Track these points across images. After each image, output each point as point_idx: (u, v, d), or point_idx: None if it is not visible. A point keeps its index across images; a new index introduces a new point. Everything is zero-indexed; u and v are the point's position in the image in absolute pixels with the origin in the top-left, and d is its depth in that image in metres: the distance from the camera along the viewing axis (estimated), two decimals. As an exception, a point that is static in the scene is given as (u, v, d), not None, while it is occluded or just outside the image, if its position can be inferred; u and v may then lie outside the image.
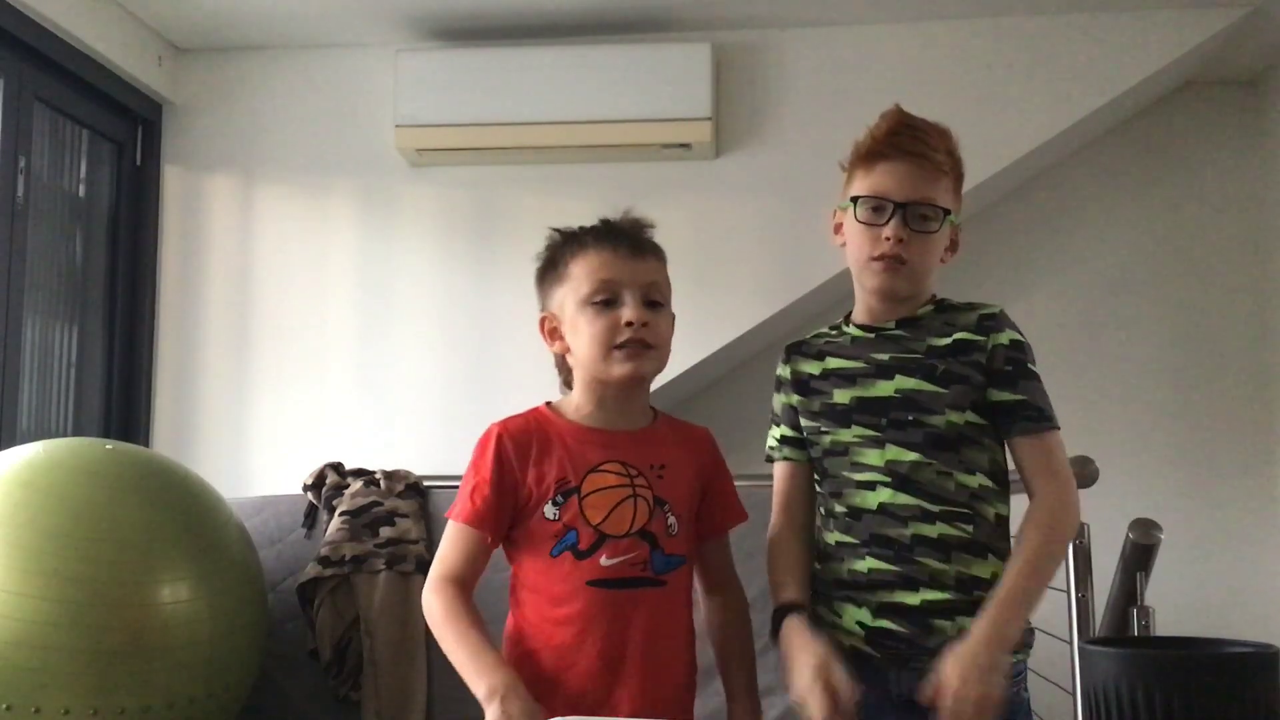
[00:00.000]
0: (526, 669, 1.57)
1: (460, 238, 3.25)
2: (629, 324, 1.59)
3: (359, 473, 2.75)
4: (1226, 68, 3.36)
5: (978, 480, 1.63)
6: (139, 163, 3.32)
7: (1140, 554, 2.35)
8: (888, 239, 1.62)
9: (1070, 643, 2.17)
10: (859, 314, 1.75)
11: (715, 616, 1.73)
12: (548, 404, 1.73)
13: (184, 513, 2.23)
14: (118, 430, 3.20)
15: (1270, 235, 3.40)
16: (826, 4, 3.08)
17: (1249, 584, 3.33)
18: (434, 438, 3.10)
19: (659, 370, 1.66)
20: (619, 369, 1.60)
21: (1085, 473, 2.15)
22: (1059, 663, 2.21)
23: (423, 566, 2.53)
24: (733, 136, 3.18)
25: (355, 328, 3.25)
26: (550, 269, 1.69)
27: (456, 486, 2.89)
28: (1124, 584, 2.39)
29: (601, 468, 1.60)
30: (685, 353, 3.13)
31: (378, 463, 2.82)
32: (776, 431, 1.79)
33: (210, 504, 2.33)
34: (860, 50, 3.17)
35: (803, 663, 1.52)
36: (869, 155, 1.66)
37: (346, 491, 2.68)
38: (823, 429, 1.69)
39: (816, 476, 1.72)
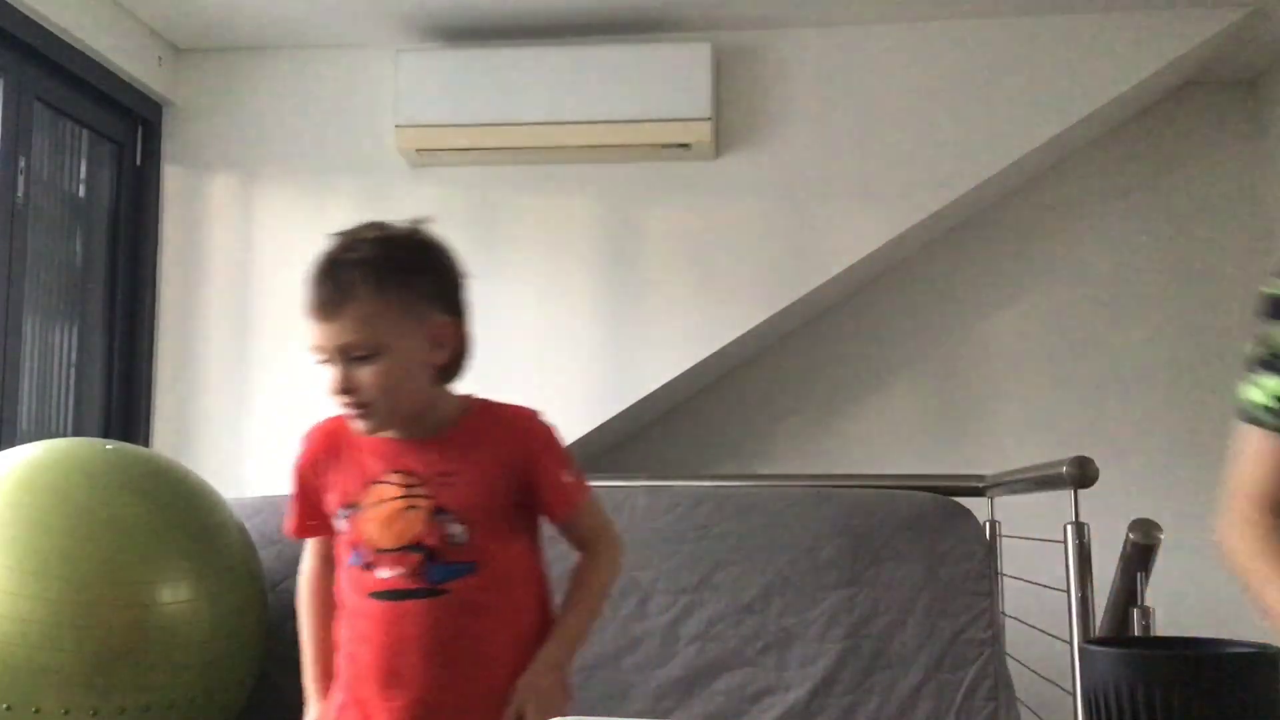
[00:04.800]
0: (339, 669, 1.61)
1: (460, 238, 3.21)
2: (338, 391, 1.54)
3: (359, 473, 2.75)
4: (1226, 68, 3.36)
5: None
6: (139, 163, 3.32)
7: (1141, 554, 2.35)
8: None
9: (1070, 642, 2.16)
10: None
11: (576, 565, 1.69)
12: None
13: (184, 513, 2.23)
14: (118, 430, 3.20)
15: (1270, 235, 3.40)
16: (826, 4, 3.08)
17: (1249, 584, 3.32)
18: (434, 438, 3.10)
19: (398, 414, 1.58)
20: (354, 426, 1.58)
21: (1085, 473, 2.16)
22: (1059, 662, 2.21)
23: (422, 566, 2.54)
24: (732, 137, 3.18)
25: (355, 328, 3.25)
26: None
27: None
28: (1124, 584, 2.39)
29: (384, 479, 1.58)
30: (685, 353, 3.14)
31: (378, 463, 2.81)
32: (1270, 384, 1.39)
33: (210, 504, 2.32)
34: (860, 50, 3.17)
35: None
36: None
37: (346, 491, 2.68)
38: None
39: None
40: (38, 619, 1.95)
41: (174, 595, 2.10)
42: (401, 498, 1.57)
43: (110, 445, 2.30)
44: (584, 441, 3.18)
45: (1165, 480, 3.37)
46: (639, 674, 2.37)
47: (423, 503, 1.56)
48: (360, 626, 1.57)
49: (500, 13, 3.11)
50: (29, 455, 2.14)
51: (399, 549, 1.55)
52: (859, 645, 2.36)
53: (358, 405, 1.54)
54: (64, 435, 2.89)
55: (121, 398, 3.23)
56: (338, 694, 1.60)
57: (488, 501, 1.60)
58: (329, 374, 1.53)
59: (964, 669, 2.34)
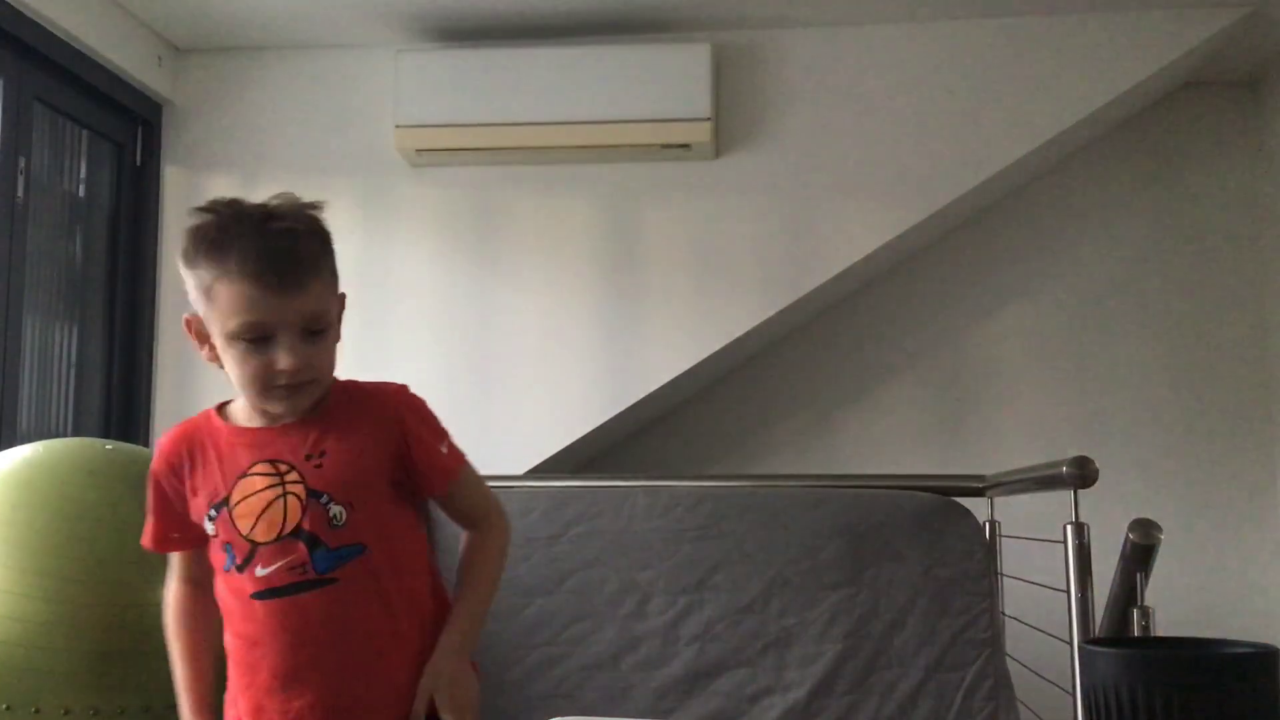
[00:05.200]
0: (229, 683, 1.57)
1: (460, 238, 3.25)
2: (284, 370, 1.46)
3: (358, 473, 2.75)
4: (1225, 68, 3.36)
5: None
6: (139, 163, 3.32)
7: (1140, 554, 2.35)
8: None
9: (1070, 643, 2.17)
10: None
11: (463, 543, 1.64)
12: (219, 406, 1.62)
13: (184, 513, 2.23)
14: (117, 430, 3.20)
15: (1269, 235, 3.40)
16: (826, 4, 3.08)
17: (1249, 584, 3.33)
18: (434, 438, 3.10)
19: (319, 394, 1.54)
20: (276, 407, 1.51)
21: (1085, 473, 2.16)
22: (1059, 662, 2.21)
23: (422, 566, 2.54)
24: (732, 137, 3.18)
25: (355, 327, 3.23)
26: (190, 273, 1.48)
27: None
28: (1124, 584, 2.39)
29: (250, 471, 1.50)
30: (685, 353, 3.14)
31: (378, 463, 2.82)
32: None
33: (210, 504, 2.32)
34: (860, 50, 3.17)
35: None
36: None
37: (346, 491, 2.68)
38: None
39: None
40: (38, 619, 1.95)
41: (174, 595, 2.10)
42: (271, 486, 1.49)
43: (110, 445, 2.29)
44: (584, 441, 3.18)
45: (1165, 480, 3.38)
46: (639, 674, 2.37)
47: (296, 488, 1.48)
48: (248, 631, 1.50)
49: (500, 13, 3.11)
50: (29, 455, 2.14)
51: (278, 539, 1.47)
52: (859, 645, 2.36)
53: (304, 383, 1.49)
54: (64, 435, 2.89)
55: (121, 397, 3.23)
56: (231, 708, 1.54)
57: (363, 478, 1.52)
58: (263, 350, 1.45)
59: (964, 669, 2.34)
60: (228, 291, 1.44)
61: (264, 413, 1.54)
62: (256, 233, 1.46)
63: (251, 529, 1.48)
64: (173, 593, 1.62)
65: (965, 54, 3.14)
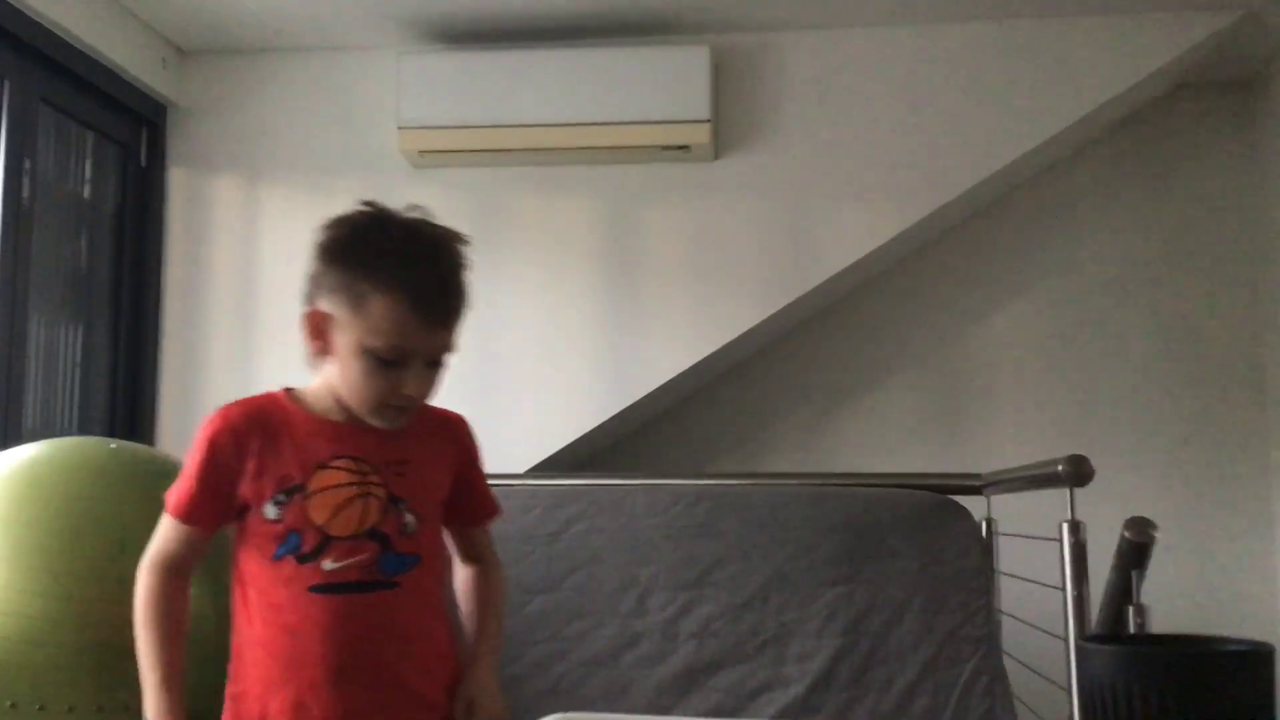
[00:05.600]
0: (248, 681, 1.52)
1: (462, 239, 3.27)
2: (408, 395, 1.48)
3: (361, 472, 2.77)
4: (1221, 70, 3.38)
5: None
6: (144, 164, 3.34)
7: (1136, 552, 2.36)
8: None
9: (1066, 640, 2.18)
10: None
11: (466, 575, 1.67)
12: (287, 390, 1.60)
13: (188, 511, 2.24)
14: (122, 429, 3.22)
15: (1265, 236, 3.42)
16: (825, 7, 3.10)
17: (1244, 582, 3.34)
18: (436, 437, 3.12)
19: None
20: (378, 421, 1.51)
21: (1081, 471, 2.17)
22: (1055, 660, 2.23)
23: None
24: (731, 139, 3.20)
25: (357, 328, 3.27)
26: (340, 272, 1.48)
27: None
28: (1119, 582, 2.40)
29: (331, 464, 1.50)
30: (684, 352, 3.16)
31: (380, 462, 2.84)
32: None
33: (214, 502, 2.34)
34: (859, 53, 3.19)
35: None
36: None
37: (348, 490, 2.70)
38: None
39: None
40: (43, 616, 1.96)
41: (178, 592, 2.11)
42: (354, 484, 1.50)
43: (115, 444, 2.31)
44: (584, 441, 3.19)
45: (1160, 478, 3.39)
46: (639, 670, 2.39)
47: (378, 490, 1.51)
48: (293, 623, 1.48)
49: (501, 15, 3.13)
50: (34, 454, 2.16)
51: (354, 536, 1.48)
52: (856, 642, 2.37)
53: (414, 406, 1.52)
54: (69, 434, 2.91)
55: (126, 397, 3.25)
56: (251, 702, 1.51)
57: (434, 494, 1.58)
58: (391, 372, 1.45)
59: (960, 666, 2.35)
60: (384, 311, 1.44)
61: (340, 407, 1.54)
62: (430, 261, 1.49)
63: (328, 521, 1.48)
64: (155, 579, 1.55)
65: (962, 56, 3.15)
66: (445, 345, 1.50)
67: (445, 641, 1.59)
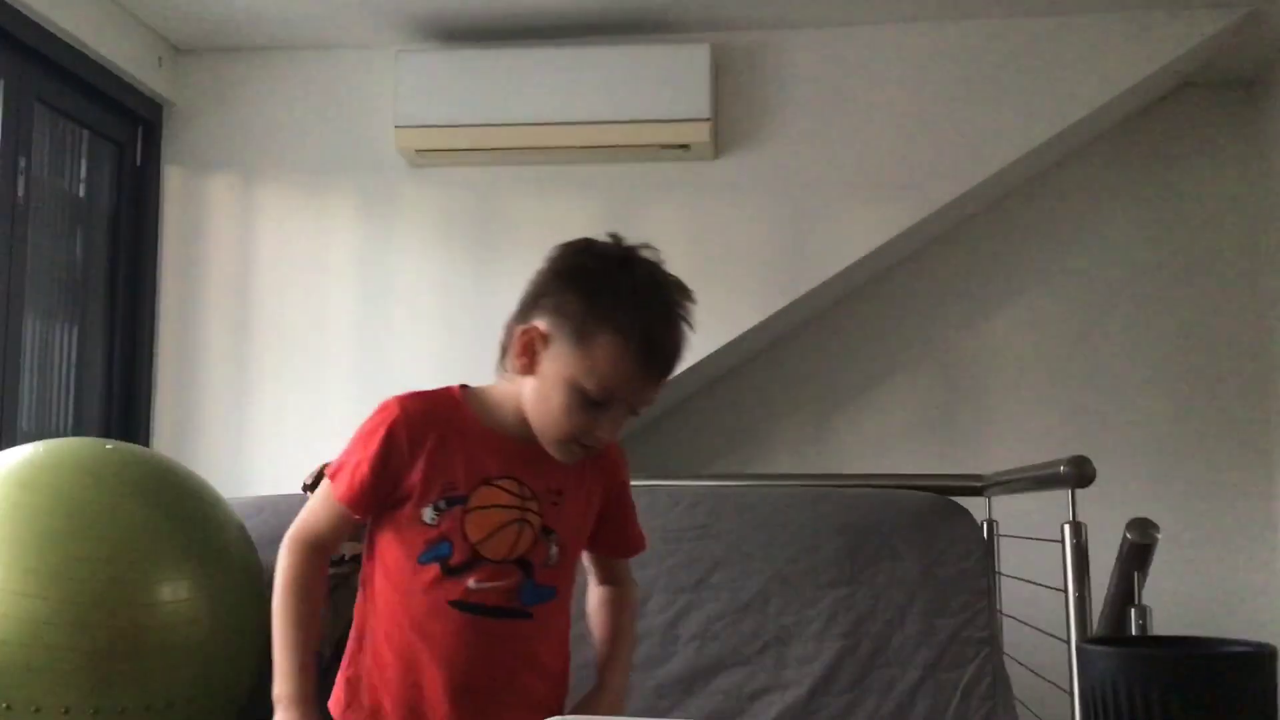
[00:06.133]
0: (365, 668, 1.50)
1: (460, 238, 3.26)
2: (600, 439, 1.45)
3: (359, 472, 2.76)
4: (1224, 69, 3.37)
5: None
6: (139, 163, 3.33)
7: (1138, 553, 2.36)
8: None
9: (1068, 642, 2.17)
10: None
11: (601, 595, 1.64)
12: (464, 388, 1.55)
13: (184, 512, 2.23)
14: (118, 430, 3.21)
15: (1268, 236, 3.41)
16: (825, 5, 3.09)
17: (1246, 583, 3.34)
18: (434, 438, 3.11)
19: None
20: (558, 454, 1.47)
21: (1082, 472, 2.16)
22: (1057, 661, 2.22)
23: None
24: (731, 137, 3.19)
25: (355, 328, 3.26)
26: (574, 300, 1.42)
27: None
28: (1121, 583, 2.40)
29: (496, 482, 1.47)
30: (684, 353, 3.14)
31: (377, 462, 2.83)
32: None
33: (210, 504, 2.33)
34: (859, 51, 3.18)
35: None
36: None
37: (346, 491, 2.69)
38: None
39: None
40: (37, 618, 1.95)
41: (174, 595, 2.10)
42: (513, 507, 1.47)
43: (110, 445, 2.30)
44: (583, 441, 3.18)
45: (1162, 480, 3.39)
46: (638, 673, 2.37)
47: (534, 518, 1.47)
48: (429, 629, 1.45)
49: (500, 13, 3.11)
50: (29, 454, 2.15)
51: (503, 561, 1.45)
52: (857, 644, 2.36)
53: (598, 448, 1.48)
54: (64, 435, 2.90)
55: (122, 397, 3.24)
56: (362, 692, 1.48)
57: (584, 529, 1.55)
58: (591, 412, 1.42)
59: (961, 668, 2.34)
60: (610, 353, 1.40)
61: (515, 422, 1.49)
62: (666, 312, 1.45)
63: (482, 540, 1.45)
64: (301, 557, 1.50)
65: (964, 54, 3.14)
66: (654, 398, 1.47)
67: (564, 674, 1.56)
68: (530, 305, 1.47)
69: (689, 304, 1.48)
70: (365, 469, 1.47)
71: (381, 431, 1.48)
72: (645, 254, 1.49)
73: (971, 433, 3.44)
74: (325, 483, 1.53)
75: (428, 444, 1.47)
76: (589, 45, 3.16)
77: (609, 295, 1.42)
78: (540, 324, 1.45)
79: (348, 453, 1.52)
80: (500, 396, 1.52)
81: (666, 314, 1.45)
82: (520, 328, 1.46)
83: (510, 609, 1.46)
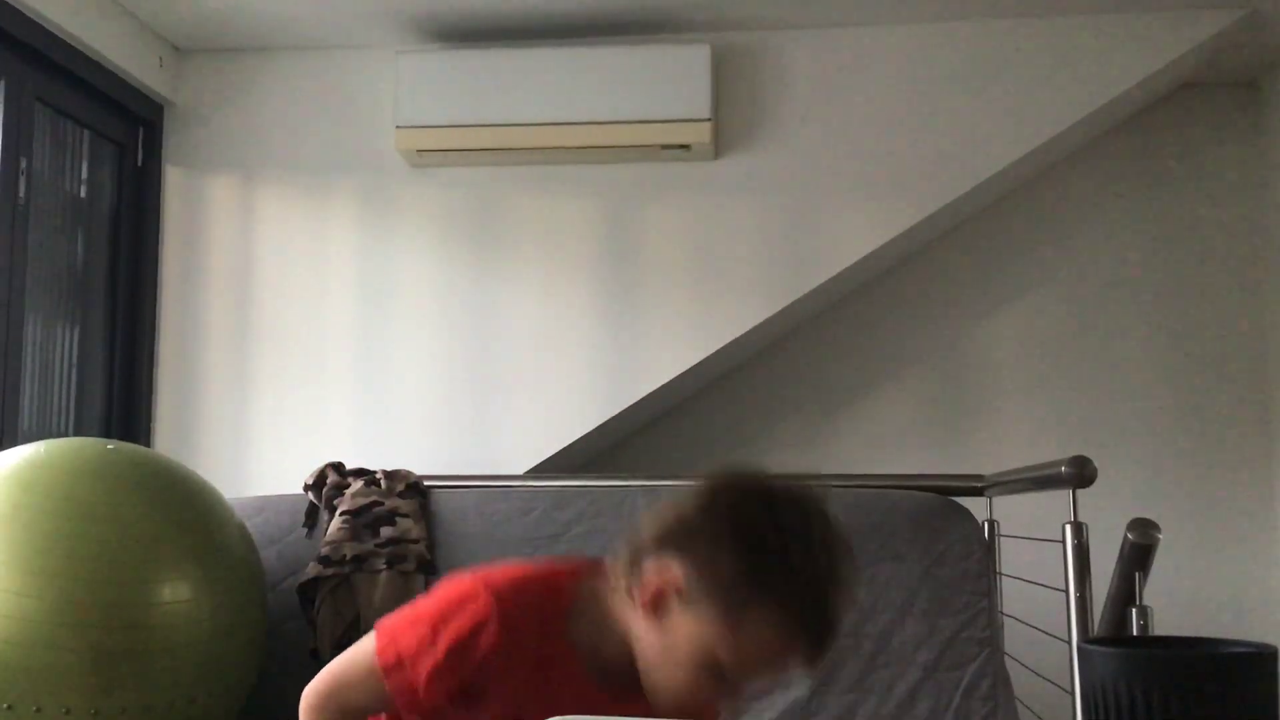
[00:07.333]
0: None
1: (460, 238, 3.26)
2: (714, 710, 1.29)
3: (359, 472, 2.76)
4: (1225, 69, 3.37)
5: None
6: (140, 163, 3.32)
7: (1139, 553, 2.35)
8: None
9: (1069, 642, 2.17)
10: None
11: None
12: (570, 609, 1.30)
13: (184, 512, 2.24)
14: (119, 430, 3.21)
15: (1269, 236, 3.41)
16: (826, 5, 3.09)
17: (1248, 584, 3.33)
18: (434, 438, 3.11)
19: None
20: (660, 707, 1.26)
21: (1083, 472, 2.16)
22: (1058, 662, 2.22)
23: (424, 566, 2.54)
24: (732, 138, 3.19)
25: (355, 328, 3.26)
26: (732, 563, 1.20)
27: (457, 486, 2.87)
28: (1122, 584, 2.39)
29: None
30: (684, 353, 3.15)
31: (378, 463, 2.82)
32: None
33: (210, 504, 2.33)
34: (860, 52, 3.18)
35: None
36: None
37: (347, 491, 2.69)
38: None
39: None
40: (38, 618, 1.95)
41: (174, 595, 2.10)
42: None
43: (111, 445, 2.30)
44: (584, 441, 3.18)
45: (1163, 480, 3.38)
46: (639, 673, 2.37)
47: None
48: None
49: (500, 14, 3.11)
50: (30, 454, 2.15)
51: None
52: (858, 644, 2.36)
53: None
54: (65, 435, 2.90)
55: (122, 398, 3.24)
56: None
57: None
58: (718, 684, 1.22)
59: (962, 668, 2.34)
60: (764, 637, 1.20)
61: (620, 669, 1.28)
62: (835, 594, 1.21)
63: None
64: (322, 714, 1.34)
65: (965, 54, 3.14)
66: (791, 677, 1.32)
67: None
68: (667, 539, 1.25)
69: (855, 576, 1.26)
70: (429, 667, 1.25)
71: (470, 640, 1.25)
72: (822, 507, 1.25)
73: (972, 433, 3.44)
74: (369, 644, 1.31)
75: (517, 676, 1.26)
76: (589, 45, 3.16)
77: (780, 572, 1.20)
78: (675, 569, 1.23)
79: (419, 638, 1.27)
80: (611, 632, 1.29)
81: (836, 595, 1.22)
82: (654, 564, 1.24)
83: None
